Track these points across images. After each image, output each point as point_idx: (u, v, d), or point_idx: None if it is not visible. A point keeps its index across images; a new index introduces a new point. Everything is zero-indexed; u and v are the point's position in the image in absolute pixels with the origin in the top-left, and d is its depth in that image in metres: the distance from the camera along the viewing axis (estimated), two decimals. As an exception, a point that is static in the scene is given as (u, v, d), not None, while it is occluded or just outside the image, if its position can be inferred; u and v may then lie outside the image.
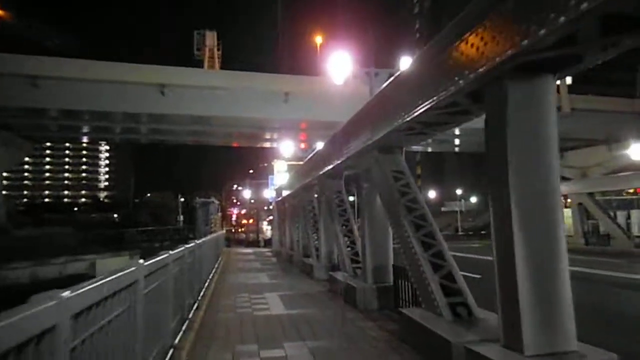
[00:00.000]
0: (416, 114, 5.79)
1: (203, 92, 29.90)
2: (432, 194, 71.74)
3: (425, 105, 5.47)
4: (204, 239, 10.46)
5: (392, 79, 6.89)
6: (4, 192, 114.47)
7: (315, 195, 15.00)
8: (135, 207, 49.19)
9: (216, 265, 14.73)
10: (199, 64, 38.96)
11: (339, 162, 9.89)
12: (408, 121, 6.13)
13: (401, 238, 6.86)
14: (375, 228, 8.79)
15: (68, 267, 20.61)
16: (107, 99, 27.81)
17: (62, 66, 27.45)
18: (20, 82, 26.89)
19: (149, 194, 40.54)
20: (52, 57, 28.10)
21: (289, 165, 28.82)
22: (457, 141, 40.91)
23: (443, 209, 70.03)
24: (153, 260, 4.37)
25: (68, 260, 20.64)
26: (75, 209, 58.99)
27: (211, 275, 12.27)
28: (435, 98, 5.19)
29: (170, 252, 5.58)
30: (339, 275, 9.48)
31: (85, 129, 34.84)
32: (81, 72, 27.36)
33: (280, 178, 27.95)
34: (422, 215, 6.80)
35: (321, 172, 11.66)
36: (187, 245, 7.65)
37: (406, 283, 7.52)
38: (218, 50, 38.51)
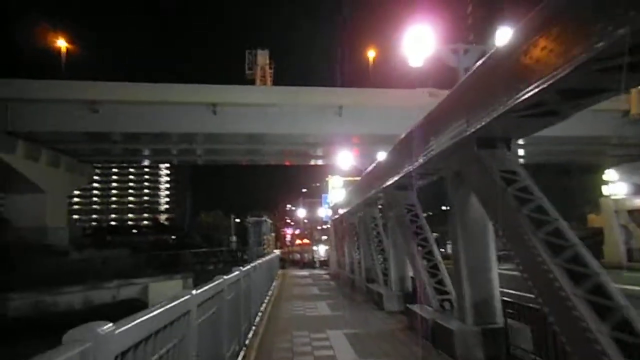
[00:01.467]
0: (557, 76, 3.91)
1: (254, 110, 29.28)
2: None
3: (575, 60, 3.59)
4: (255, 263, 9.03)
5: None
6: (75, 216, 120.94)
7: (379, 211, 13.29)
8: (188, 228, 49.77)
9: (270, 292, 13.26)
10: (250, 83, 38.86)
11: (412, 168, 8.10)
12: (536, 92, 4.25)
13: (529, 264, 4.90)
14: (471, 248, 6.77)
15: (121, 291, 20.03)
16: (160, 120, 27.82)
17: (118, 90, 27.87)
18: (80, 108, 27.57)
19: (202, 215, 40.75)
20: (108, 82, 28.63)
21: (345, 181, 27.16)
22: (520, 151, 37.54)
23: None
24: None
25: (121, 284, 20.05)
26: (134, 231, 60.62)
27: (265, 303, 10.77)
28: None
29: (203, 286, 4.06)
30: (423, 310, 7.56)
31: (145, 152, 35.38)
32: (134, 95, 27.64)
33: (336, 195, 26.34)
34: (558, 231, 4.73)
35: (388, 184, 9.96)
36: (228, 277, 5.90)
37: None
38: (270, 69, 38.16)
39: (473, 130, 5.65)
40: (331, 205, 25.76)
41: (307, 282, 18.80)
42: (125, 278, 21.01)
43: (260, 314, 9.50)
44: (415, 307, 8.13)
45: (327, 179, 29.36)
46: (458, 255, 6.83)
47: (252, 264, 8.27)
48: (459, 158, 6.40)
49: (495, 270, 6.70)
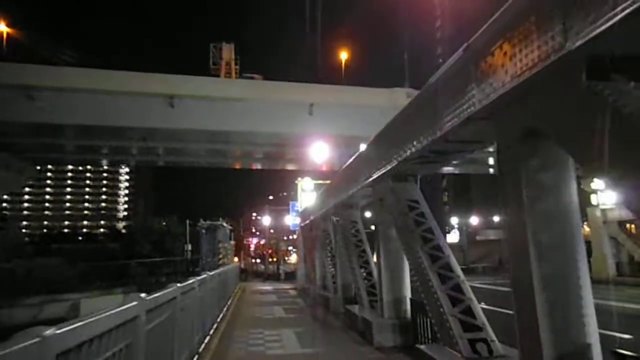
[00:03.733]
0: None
1: (217, 104, 26.40)
2: (468, 220, 66.14)
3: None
4: (190, 281, 6.22)
5: (403, 108, 6.85)
6: (24, 222, 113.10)
7: (371, 212, 10.82)
8: (134, 235, 45.46)
9: (222, 314, 10.32)
10: (215, 80, 35.86)
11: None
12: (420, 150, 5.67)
13: (417, 269, 6.16)
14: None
15: (45, 309, 16.54)
16: (107, 112, 24.46)
17: (60, 75, 24.37)
18: (13, 94, 23.87)
19: (153, 221, 36.92)
20: (48, 66, 25.09)
21: (316, 184, 24.61)
22: (490, 160, 36.09)
23: (478, 237, 64.23)
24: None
25: (45, 301, 16.57)
26: (86, 239, 55.51)
27: (211, 332, 7.85)
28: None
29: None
30: (443, 354, 5.03)
31: (101, 150, 31.59)
32: (80, 81, 24.20)
33: (306, 199, 23.69)
34: (438, 247, 6.10)
35: (381, 174, 7.52)
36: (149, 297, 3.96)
37: None
38: (236, 64, 35.37)
39: (389, 168, 6.94)
40: (300, 210, 23.06)
41: (270, 300, 15.93)
42: (53, 293, 17.53)
43: (201, 348, 6.69)
44: (430, 350, 5.54)
45: (296, 181, 26.63)
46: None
47: (186, 283, 5.53)
48: (382, 187, 7.50)
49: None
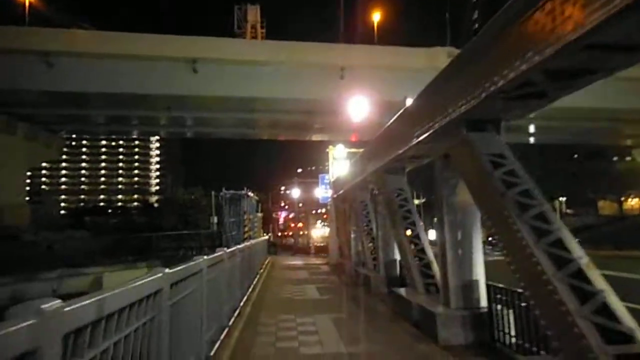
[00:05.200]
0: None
1: (243, 69, 24.74)
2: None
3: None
4: (214, 257, 4.74)
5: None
6: (62, 197, 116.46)
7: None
8: (153, 207, 44.81)
9: (244, 298, 8.78)
10: (240, 46, 34.00)
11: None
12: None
13: (512, 247, 4.34)
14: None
15: (65, 283, 15.70)
16: (127, 78, 23.20)
17: (77, 39, 23.18)
18: (32, 61, 22.88)
19: (178, 193, 35.94)
20: (65, 29, 23.87)
21: (349, 152, 22.80)
22: (531, 128, 32.92)
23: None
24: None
25: (65, 275, 15.71)
26: (109, 211, 55.78)
27: (227, 327, 6.27)
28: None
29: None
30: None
31: (131, 121, 30.69)
32: (97, 46, 22.96)
33: (338, 168, 21.96)
34: (543, 215, 4.34)
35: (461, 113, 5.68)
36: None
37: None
38: (262, 28, 33.35)
39: (463, 111, 5.17)
40: (332, 181, 21.39)
41: (301, 278, 14.46)
42: (76, 266, 16.68)
43: (214, 349, 5.20)
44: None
45: (327, 149, 24.89)
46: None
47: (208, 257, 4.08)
48: (449, 140, 5.83)
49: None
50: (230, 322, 6.20)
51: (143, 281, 2.59)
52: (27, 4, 30.17)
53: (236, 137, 38.54)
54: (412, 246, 8.12)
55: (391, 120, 9.36)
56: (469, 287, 5.97)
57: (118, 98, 24.84)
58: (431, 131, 6.30)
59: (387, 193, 9.45)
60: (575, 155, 51.43)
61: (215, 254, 4.85)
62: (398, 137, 8.46)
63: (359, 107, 14.45)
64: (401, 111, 9.20)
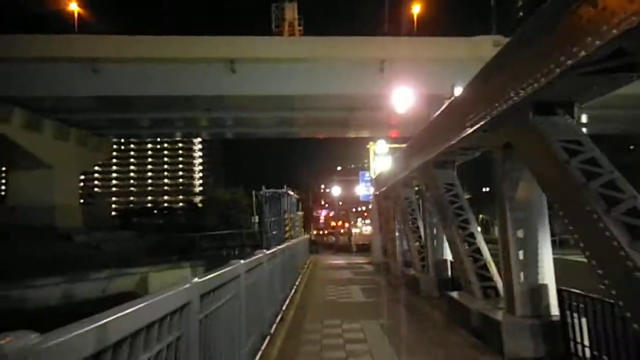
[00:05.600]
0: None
1: (280, 67, 24.56)
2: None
3: None
4: (256, 258, 4.35)
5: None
6: (113, 198, 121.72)
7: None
8: (197, 207, 45.29)
9: (287, 300, 8.35)
10: (278, 44, 33.91)
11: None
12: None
13: (598, 248, 3.72)
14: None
15: (113, 282, 16.02)
16: (166, 81, 23.57)
17: (120, 45, 23.72)
18: (80, 68, 23.69)
19: (219, 192, 36.24)
20: (108, 35, 24.52)
21: (391, 148, 22.10)
22: (583, 118, 30.57)
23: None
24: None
25: (113, 275, 16.02)
26: (155, 212, 57.38)
27: (269, 335, 5.85)
28: None
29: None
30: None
31: (175, 123, 31.29)
32: (139, 50, 23.44)
33: (380, 164, 21.33)
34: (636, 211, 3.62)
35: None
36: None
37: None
38: (299, 25, 33.08)
39: (530, 93, 4.52)
40: (374, 177, 20.77)
41: (345, 278, 13.99)
42: (121, 267, 17.00)
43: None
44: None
45: (368, 145, 24.27)
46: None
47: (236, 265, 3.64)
48: (512, 126, 5.17)
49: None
50: (273, 329, 5.83)
51: (164, 295, 2.10)
52: (75, 14, 31.40)
53: (276, 136, 38.58)
54: (466, 246, 7.46)
55: (439, 111, 8.72)
56: (537, 292, 5.30)
57: (159, 101, 25.33)
58: (488, 118, 5.65)
59: (436, 188, 8.81)
60: (632, 147, 48.12)
61: (254, 257, 4.46)
62: (448, 128, 7.83)
63: (403, 98, 13.74)
64: (451, 100, 8.55)
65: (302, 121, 31.22)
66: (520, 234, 5.41)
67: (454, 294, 7.44)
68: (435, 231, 9.62)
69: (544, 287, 5.29)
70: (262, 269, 5.04)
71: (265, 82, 24.48)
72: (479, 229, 8.17)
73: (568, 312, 4.80)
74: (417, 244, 11.78)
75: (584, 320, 4.59)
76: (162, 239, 22.66)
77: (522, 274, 5.34)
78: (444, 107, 8.51)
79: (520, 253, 5.38)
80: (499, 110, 5.31)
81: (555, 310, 5.16)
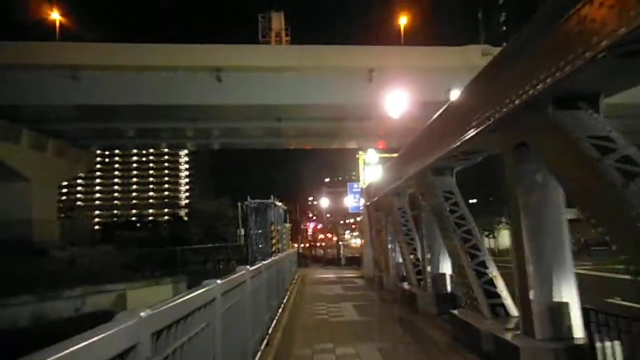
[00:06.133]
0: None
1: (267, 76, 24.03)
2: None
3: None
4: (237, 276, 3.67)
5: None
6: (96, 212, 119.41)
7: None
8: (182, 220, 43.92)
9: (274, 322, 7.53)
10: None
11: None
12: None
13: None
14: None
15: (88, 301, 15.01)
16: (150, 90, 22.86)
17: (101, 52, 22.96)
18: (59, 76, 22.81)
19: (202, 204, 35.14)
20: (89, 43, 23.77)
21: (381, 158, 21.57)
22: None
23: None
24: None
25: (87, 292, 15.04)
26: (137, 225, 55.77)
27: (259, 353, 5.17)
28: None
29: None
30: None
31: (160, 134, 30.40)
32: (121, 58, 22.68)
33: (370, 174, 20.75)
34: None
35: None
36: None
37: None
38: (286, 35, 32.73)
39: (550, 84, 4.00)
40: (364, 187, 20.17)
41: (336, 294, 13.24)
42: (97, 283, 16.01)
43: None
44: None
45: (357, 155, 23.72)
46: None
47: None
48: (527, 124, 4.64)
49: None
50: (257, 358, 5.09)
51: (98, 337, 1.46)
52: (57, 23, 30.51)
53: (263, 147, 37.86)
54: (470, 259, 6.83)
55: (437, 114, 8.16)
56: (559, 311, 4.67)
57: (143, 110, 24.52)
58: (496, 117, 5.09)
59: (434, 197, 8.21)
60: None
61: (233, 276, 3.76)
62: (447, 132, 7.27)
63: (396, 103, 13.20)
64: (449, 102, 8.01)
65: (289, 132, 30.62)
66: (536, 244, 4.79)
67: (458, 312, 6.79)
68: (432, 243, 8.99)
69: (565, 305, 4.67)
70: (244, 289, 4.33)
71: (252, 91, 23.90)
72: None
73: (596, 335, 4.19)
74: (411, 256, 11.16)
75: (617, 343, 3.97)
76: (143, 254, 21.64)
77: (540, 290, 4.71)
78: (441, 110, 7.96)
79: (538, 266, 4.76)
80: (511, 107, 4.74)
81: (580, 332, 4.53)
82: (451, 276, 8.81)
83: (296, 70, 24.11)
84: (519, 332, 5.08)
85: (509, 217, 5.29)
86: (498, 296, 6.31)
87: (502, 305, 6.18)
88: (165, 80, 23.11)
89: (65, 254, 22.90)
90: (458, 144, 6.62)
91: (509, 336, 4.92)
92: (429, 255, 9.04)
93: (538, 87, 4.17)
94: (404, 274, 11.88)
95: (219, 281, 3.17)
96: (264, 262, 6.25)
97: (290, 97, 24.46)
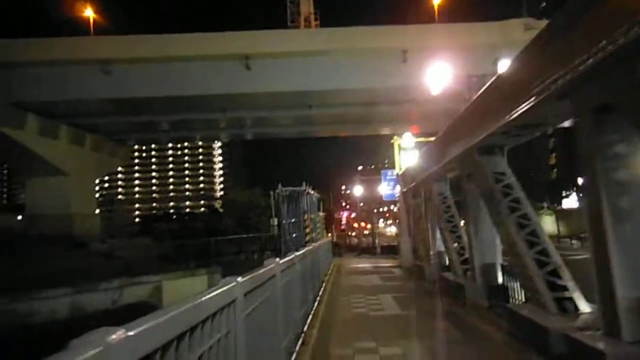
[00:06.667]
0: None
1: (297, 61, 23.39)
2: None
3: None
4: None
5: None
6: (136, 205, 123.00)
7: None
8: (217, 211, 44.03)
9: (310, 316, 6.96)
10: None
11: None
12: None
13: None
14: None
15: (125, 292, 15.02)
16: (180, 81, 22.69)
17: (130, 45, 22.98)
18: (92, 70, 23.03)
19: (235, 194, 35.02)
20: (119, 36, 23.82)
21: (417, 142, 20.61)
22: None
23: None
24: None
25: (124, 284, 15.03)
26: (174, 217, 56.67)
27: (294, 354, 4.67)
28: None
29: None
30: None
31: (194, 125, 30.42)
32: (150, 49, 22.62)
33: (406, 159, 19.85)
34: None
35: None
36: None
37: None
38: (315, 19, 31.92)
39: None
40: (400, 173, 19.31)
41: (374, 285, 12.57)
42: (134, 275, 16.03)
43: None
44: None
45: (393, 140, 22.81)
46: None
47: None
48: (613, 82, 3.95)
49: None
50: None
51: None
52: (90, 20, 30.87)
53: (295, 136, 37.39)
54: (529, 247, 6.02)
55: (485, 86, 7.32)
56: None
57: (174, 101, 24.47)
58: (567, 79, 4.25)
59: (483, 179, 7.39)
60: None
61: (259, 271, 3.19)
62: (498, 105, 6.45)
63: (436, 78, 12.22)
64: (499, 74, 7.15)
65: (320, 119, 29.95)
66: (622, 228, 3.97)
67: (516, 306, 6.01)
68: (481, 230, 8.17)
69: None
70: (274, 285, 3.76)
71: (281, 78, 23.38)
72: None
73: None
74: (455, 245, 10.34)
75: None
76: (178, 245, 21.67)
77: (626, 282, 3.90)
78: (491, 81, 7.10)
79: (624, 254, 3.94)
80: (590, 63, 3.89)
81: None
82: (503, 266, 7.99)
83: (326, 55, 23.35)
84: (596, 332, 4.29)
85: (551, 202, 4.46)
86: (564, 289, 5.49)
87: (570, 299, 5.37)
88: (194, 70, 22.90)
89: (104, 247, 23.30)
90: (514, 116, 5.79)
91: (587, 338, 4.13)
92: (477, 244, 8.23)
93: (632, 32, 3.33)
94: (447, 263, 11.08)
95: (239, 279, 2.61)
96: (295, 254, 5.68)
97: (320, 82, 23.76)
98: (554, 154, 66.05)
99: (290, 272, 4.98)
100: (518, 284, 7.22)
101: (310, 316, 6.78)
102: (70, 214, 27.76)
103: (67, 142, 27.94)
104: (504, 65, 8.42)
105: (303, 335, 5.54)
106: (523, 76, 5.65)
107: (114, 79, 23.06)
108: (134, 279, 15.81)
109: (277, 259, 4.19)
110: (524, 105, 5.50)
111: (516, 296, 7.45)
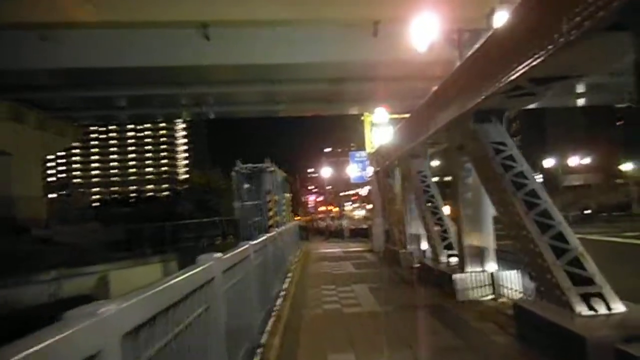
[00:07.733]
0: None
1: (260, 32, 21.60)
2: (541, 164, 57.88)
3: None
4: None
5: None
6: (95, 189, 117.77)
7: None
8: (179, 195, 41.91)
9: (272, 318, 5.64)
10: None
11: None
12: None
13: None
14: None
15: (65, 285, 13.25)
16: (129, 50, 20.50)
17: (75, 8, 20.44)
18: (28, 36, 20.42)
19: (193, 176, 33.01)
20: (59, -4, 21.14)
21: (391, 119, 19.46)
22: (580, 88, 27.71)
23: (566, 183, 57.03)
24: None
25: (64, 275, 13.25)
26: (131, 202, 53.79)
27: None
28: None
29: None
30: None
31: (153, 102, 28.08)
32: (94, 14, 20.17)
33: (379, 136, 18.71)
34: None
35: None
36: None
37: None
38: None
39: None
40: (372, 152, 18.14)
41: (345, 272, 11.41)
42: (76, 265, 14.24)
43: None
44: None
45: (363, 117, 21.60)
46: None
47: None
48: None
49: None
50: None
51: None
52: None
53: (260, 115, 35.52)
54: (541, 230, 4.89)
55: (485, 37, 6.07)
56: None
57: (127, 73, 22.22)
58: (603, 13, 3.01)
59: (479, 150, 6.22)
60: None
61: (194, 270, 1.94)
62: (504, 56, 5.21)
63: (424, 30, 10.90)
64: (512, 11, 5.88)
65: (285, 96, 28.31)
66: None
67: (528, 304, 4.90)
68: (476, 212, 7.04)
69: None
70: (213, 293, 2.42)
71: (243, 49, 21.58)
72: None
73: None
74: (437, 228, 9.25)
75: None
76: (130, 231, 19.84)
77: None
78: (491, 32, 5.86)
79: None
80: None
81: None
82: (497, 251, 6.93)
83: (290, 25, 21.64)
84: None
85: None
86: (590, 282, 4.40)
87: (599, 295, 4.28)
88: (144, 38, 20.75)
89: (46, 233, 21.10)
90: (528, 67, 4.56)
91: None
92: (470, 227, 7.10)
93: None
94: (426, 248, 10.03)
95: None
96: (250, 243, 4.33)
97: (284, 55, 22.10)
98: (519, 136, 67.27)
99: (240, 269, 3.62)
100: (515, 271, 6.17)
101: (271, 321, 5.45)
102: (10, 197, 25.24)
103: (6, 118, 25.25)
104: (499, 18, 7.21)
105: (261, 349, 4.20)
106: (539, 16, 4.41)
107: (52, 47, 20.55)
108: (76, 269, 14.02)
109: (219, 254, 2.83)
110: (540, 54, 4.27)
111: (511, 286, 6.43)
